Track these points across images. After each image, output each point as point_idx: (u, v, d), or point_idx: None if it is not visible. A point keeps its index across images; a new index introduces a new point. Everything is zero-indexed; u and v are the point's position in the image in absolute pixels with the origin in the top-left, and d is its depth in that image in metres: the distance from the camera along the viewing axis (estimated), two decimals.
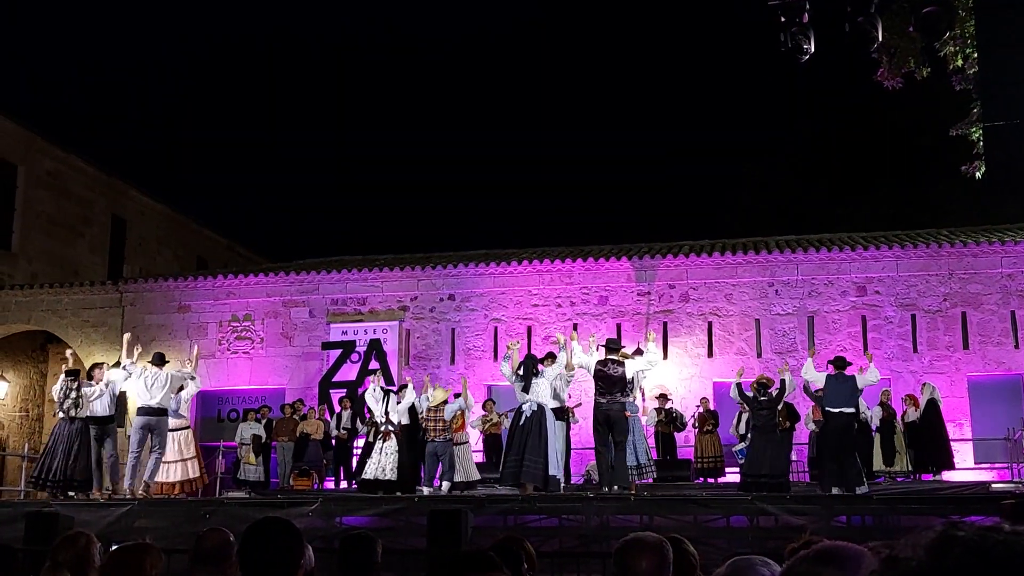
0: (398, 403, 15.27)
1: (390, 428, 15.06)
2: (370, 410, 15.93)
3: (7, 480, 23.20)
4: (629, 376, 13.60)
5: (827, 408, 14.01)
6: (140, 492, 14.45)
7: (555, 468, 13.35)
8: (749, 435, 15.40)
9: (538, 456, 13.13)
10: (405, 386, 15.91)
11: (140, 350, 15.14)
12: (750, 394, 14.48)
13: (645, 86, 53.59)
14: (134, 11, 54.29)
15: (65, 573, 4.66)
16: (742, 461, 16.55)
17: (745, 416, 16.35)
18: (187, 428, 16.41)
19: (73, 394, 14.16)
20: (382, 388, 15.70)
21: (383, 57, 56.56)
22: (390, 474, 14.80)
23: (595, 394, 13.67)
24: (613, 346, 14.01)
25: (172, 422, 15.21)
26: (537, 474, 13.09)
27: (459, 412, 15.62)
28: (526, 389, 13.53)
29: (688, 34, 52.38)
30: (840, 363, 14.24)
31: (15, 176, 25.42)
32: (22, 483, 19.27)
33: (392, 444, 15.00)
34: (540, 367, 13.77)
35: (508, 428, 14.94)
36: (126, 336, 15.77)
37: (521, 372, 13.65)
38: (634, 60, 54.00)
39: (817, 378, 14.25)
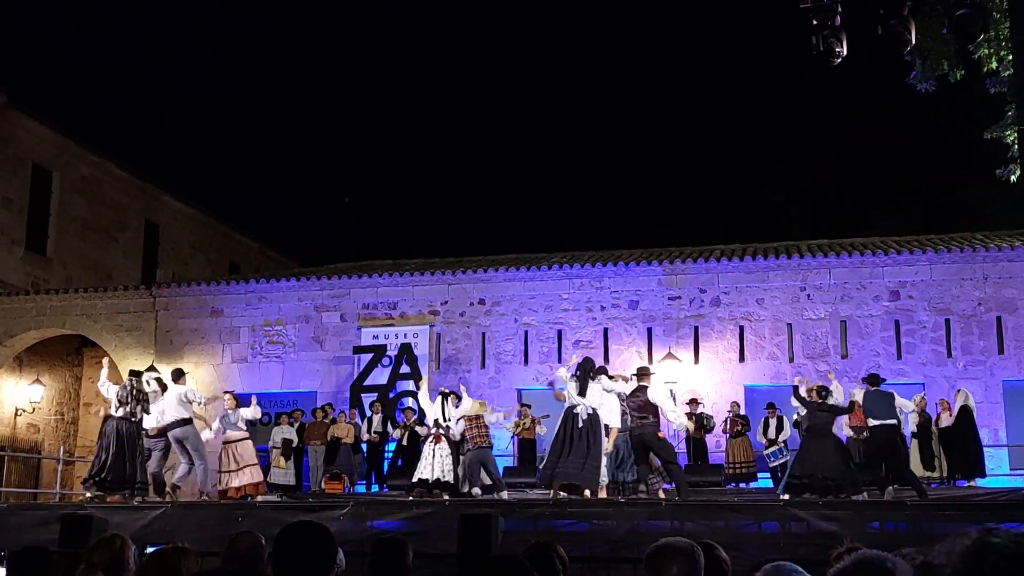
0: (456, 406, 15.26)
1: (440, 432, 15.04)
2: (420, 412, 16.23)
3: (43, 483, 23.44)
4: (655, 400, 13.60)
5: (871, 420, 14.06)
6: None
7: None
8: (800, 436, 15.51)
9: (579, 459, 13.12)
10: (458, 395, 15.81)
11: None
12: (807, 397, 14.34)
13: (676, 87, 53.48)
14: (154, 14, 54.84)
15: (100, 575, 4.71)
16: (775, 464, 16.54)
17: (787, 421, 16.58)
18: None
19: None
20: (440, 392, 15.69)
21: (403, 58, 56.76)
22: (448, 476, 14.80)
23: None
24: (644, 372, 14.10)
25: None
26: (573, 474, 13.11)
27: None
28: (582, 392, 13.56)
29: (719, 34, 52.25)
30: (874, 379, 14.24)
31: (50, 181, 25.72)
32: (57, 486, 19.47)
33: (445, 447, 14.96)
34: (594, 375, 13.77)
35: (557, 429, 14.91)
36: (105, 360, 16.41)
37: (579, 375, 13.67)
38: (665, 60, 53.89)
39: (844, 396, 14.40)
